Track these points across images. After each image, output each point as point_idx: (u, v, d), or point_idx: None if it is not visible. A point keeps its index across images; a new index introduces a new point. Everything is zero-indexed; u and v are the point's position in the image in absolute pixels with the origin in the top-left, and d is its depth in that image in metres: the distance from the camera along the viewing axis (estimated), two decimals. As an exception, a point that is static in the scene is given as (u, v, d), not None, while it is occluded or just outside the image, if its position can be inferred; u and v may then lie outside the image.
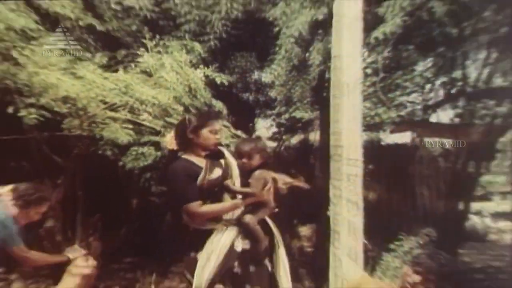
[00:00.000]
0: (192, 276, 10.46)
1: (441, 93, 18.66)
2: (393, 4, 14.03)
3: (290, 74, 14.97)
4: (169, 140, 10.85)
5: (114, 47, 13.97)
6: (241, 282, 10.54)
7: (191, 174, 10.47)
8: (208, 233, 10.54)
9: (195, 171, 10.45)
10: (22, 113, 12.94)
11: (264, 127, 19.43)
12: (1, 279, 13.25)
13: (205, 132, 10.61)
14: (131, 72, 13.31)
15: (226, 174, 10.76)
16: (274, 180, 10.79)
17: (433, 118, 19.03)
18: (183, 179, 10.42)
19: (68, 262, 11.04)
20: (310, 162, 17.67)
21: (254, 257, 10.55)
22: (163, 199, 15.74)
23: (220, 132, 10.74)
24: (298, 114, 17.59)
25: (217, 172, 10.59)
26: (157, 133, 13.27)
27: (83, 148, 13.98)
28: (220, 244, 10.38)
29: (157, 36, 14.21)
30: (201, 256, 10.37)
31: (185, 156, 10.63)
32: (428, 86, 18.48)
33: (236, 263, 10.47)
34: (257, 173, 10.72)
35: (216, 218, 10.59)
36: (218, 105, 13.77)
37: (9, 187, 10.53)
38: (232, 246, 10.41)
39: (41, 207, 10.73)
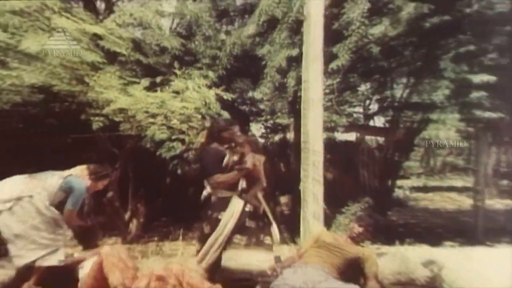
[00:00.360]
0: (213, 230, 11.00)
1: (376, 106, 19.18)
2: (343, 45, 14.47)
3: (274, 93, 15.35)
4: (201, 136, 11.50)
5: (154, 74, 14.36)
6: (251, 232, 11.21)
7: (218, 156, 10.99)
8: (226, 201, 11.02)
9: (222, 155, 10.97)
10: (92, 119, 13.47)
11: (256, 129, 19.85)
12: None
13: (226, 133, 11.08)
14: (165, 92, 13.69)
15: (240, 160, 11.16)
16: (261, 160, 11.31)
17: (371, 123, 19.48)
18: (213, 159, 10.96)
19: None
20: (287, 153, 18.01)
21: (256, 216, 11.07)
22: (186, 178, 16.08)
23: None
24: (279, 120, 17.99)
25: (235, 158, 11.07)
26: (183, 133, 13.67)
27: (133, 143, 14.45)
28: (237, 206, 10.91)
29: (183, 67, 14.59)
30: (225, 215, 10.91)
31: (214, 146, 11.08)
32: (367, 101, 18.97)
33: (247, 220, 11.02)
34: (250, 155, 11.17)
35: (230, 189, 11.02)
36: (225, 114, 14.11)
37: (83, 166, 10.90)
38: (244, 208, 10.93)
39: (105, 181, 11.14)
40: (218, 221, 10.93)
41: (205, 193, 11.26)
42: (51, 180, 10.52)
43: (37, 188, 10.44)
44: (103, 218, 11.02)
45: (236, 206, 10.99)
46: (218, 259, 10.95)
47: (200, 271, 10.90)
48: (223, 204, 10.98)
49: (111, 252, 10.12)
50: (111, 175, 12.10)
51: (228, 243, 11.03)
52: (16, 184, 10.20)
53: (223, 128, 11.42)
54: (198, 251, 11.03)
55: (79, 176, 10.74)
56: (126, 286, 10.02)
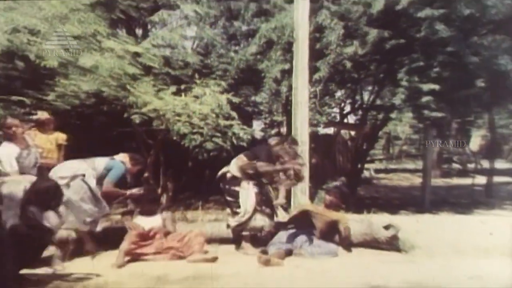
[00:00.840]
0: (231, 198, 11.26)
1: (349, 107, 19.29)
2: (323, 61, 14.60)
3: (271, 97, 15.46)
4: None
5: (179, 83, 14.41)
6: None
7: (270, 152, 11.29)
8: (237, 180, 11.28)
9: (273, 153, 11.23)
10: (132, 117, 13.59)
11: (257, 125, 19.94)
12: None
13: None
14: (188, 96, 13.76)
15: None
16: None
17: (345, 120, 19.54)
18: (265, 152, 11.22)
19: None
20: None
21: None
22: (204, 162, 16.10)
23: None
24: (275, 118, 18.11)
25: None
26: (201, 128, 13.77)
27: (163, 135, 14.55)
28: (250, 189, 11.15)
29: (202, 78, 14.67)
30: (242, 195, 11.18)
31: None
32: (342, 104, 19.06)
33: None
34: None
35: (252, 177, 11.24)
36: (233, 113, 14.19)
37: (125, 154, 11.05)
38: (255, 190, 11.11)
39: (140, 166, 11.29)
40: (235, 192, 11.13)
41: (225, 170, 11.42)
42: (99, 163, 10.72)
43: (88, 169, 10.60)
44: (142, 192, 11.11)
45: (249, 188, 11.19)
46: (245, 225, 11.14)
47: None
48: (236, 181, 11.19)
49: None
50: (146, 160, 12.26)
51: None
52: (72, 165, 10.39)
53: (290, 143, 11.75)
54: (232, 213, 11.35)
55: (123, 160, 10.94)
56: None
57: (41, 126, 11.54)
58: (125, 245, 10.12)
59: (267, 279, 8.91)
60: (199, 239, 10.49)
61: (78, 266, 9.55)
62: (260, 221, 11.10)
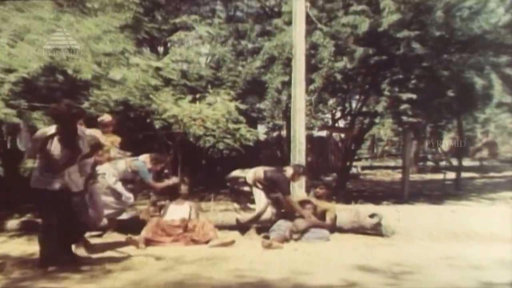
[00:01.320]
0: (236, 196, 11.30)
1: (339, 114, 19.19)
2: (318, 74, 14.56)
3: (273, 105, 15.42)
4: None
5: (195, 92, 14.40)
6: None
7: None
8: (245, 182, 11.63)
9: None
10: (154, 122, 13.60)
11: (261, 128, 19.91)
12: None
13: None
14: (202, 103, 13.76)
15: None
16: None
17: (336, 125, 19.50)
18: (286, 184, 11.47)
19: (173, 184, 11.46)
20: (281, 144, 18.10)
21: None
22: (215, 160, 16.11)
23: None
24: (276, 122, 18.09)
25: None
26: (213, 131, 13.75)
27: (181, 137, 14.53)
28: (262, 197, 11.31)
29: (214, 88, 14.69)
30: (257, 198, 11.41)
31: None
32: (334, 110, 19.02)
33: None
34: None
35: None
36: (241, 118, 14.19)
37: (147, 155, 11.08)
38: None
39: (161, 164, 11.31)
40: (243, 191, 11.26)
41: (235, 174, 11.57)
42: (121, 164, 10.88)
43: (110, 169, 10.87)
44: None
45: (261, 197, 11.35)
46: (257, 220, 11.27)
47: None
48: (245, 184, 11.32)
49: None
50: (166, 159, 12.26)
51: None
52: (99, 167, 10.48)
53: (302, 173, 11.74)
54: (241, 208, 11.83)
55: (144, 161, 10.99)
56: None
57: (104, 127, 11.70)
58: (144, 233, 10.25)
59: (269, 259, 8.93)
60: (211, 227, 10.71)
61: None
62: (269, 213, 11.16)
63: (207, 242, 10.26)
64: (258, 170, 11.49)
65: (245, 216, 11.52)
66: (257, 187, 11.36)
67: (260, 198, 11.34)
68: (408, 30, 14.73)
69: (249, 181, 11.42)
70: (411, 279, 7.55)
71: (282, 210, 11.26)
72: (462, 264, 8.41)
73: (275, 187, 11.26)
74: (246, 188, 11.63)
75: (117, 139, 11.95)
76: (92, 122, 10.90)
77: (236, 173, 11.94)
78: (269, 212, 11.22)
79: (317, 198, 11.50)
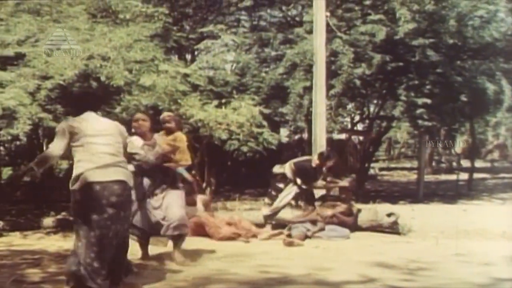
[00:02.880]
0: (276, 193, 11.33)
1: (358, 117, 19.13)
2: (338, 80, 14.59)
3: (295, 109, 15.39)
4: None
5: (220, 97, 14.42)
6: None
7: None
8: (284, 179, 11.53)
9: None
10: (183, 126, 13.62)
11: (284, 132, 19.94)
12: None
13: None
14: (227, 108, 13.76)
15: None
16: None
17: (355, 128, 19.45)
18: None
19: None
20: (303, 146, 18.06)
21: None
22: (241, 162, 16.14)
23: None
24: (298, 125, 18.06)
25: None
26: (238, 134, 13.75)
27: (207, 140, 14.55)
28: (293, 189, 11.30)
29: (239, 93, 14.75)
30: (284, 191, 11.36)
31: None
32: (352, 115, 18.99)
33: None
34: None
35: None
36: (264, 122, 14.19)
37: None
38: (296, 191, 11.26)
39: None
40: (278, 187, 11.26)
41: (277, 170, 11.56)
42: None
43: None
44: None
45: (292, 188, 11.29)
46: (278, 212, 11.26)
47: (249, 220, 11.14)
48: (282, 180, 11.34)
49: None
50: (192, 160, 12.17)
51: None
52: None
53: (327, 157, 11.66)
54: (267, 204, 11.54)
55: None
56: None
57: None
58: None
59: (292, 256, 8.94)
60: (248, 224, 11.02)
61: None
62: (288, 214, 11.17)
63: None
64: (290, 162, 11.58)
65: (269, 210, 11.49)
66: (292, 180, 11.43)
67: (289, 193, 11.37)
68: (423, 38, 14.78)
69: (288, 173, 11.44)
70: (426, 275, 7.54)
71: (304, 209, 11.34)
72: (473, 261, 8.39)
73: (303, 176, 11.36)
74: (281, 185, 11.61)
75: (179, 137, 9.53)
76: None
77: (275, 168, 11.89)
78: (288, 213, 11.23)
79: (341, 201, 11.53)
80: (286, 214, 11.19)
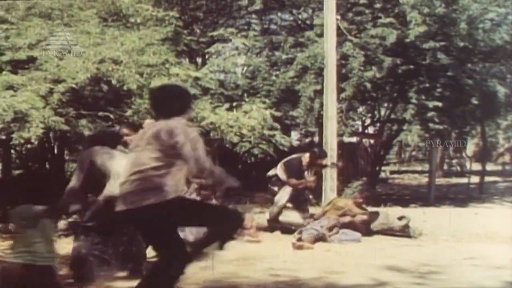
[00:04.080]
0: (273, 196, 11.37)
1: (369, 121, 19.06)
2: (348, 83, 14.64)
3: (306, 112, 15.38)
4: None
5: (232, 101, 14.52)
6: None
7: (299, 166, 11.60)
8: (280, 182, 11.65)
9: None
10: (194, 129, 13.67)
11: (295, 135, 19.94)
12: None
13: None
14: (238, 111, 13.76)
15: None
16: None
17: (366, 131, 19.41)
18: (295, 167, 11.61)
19: None
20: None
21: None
22: (251, 165, 16.15)
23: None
24: (309, 129, 18.08)
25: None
26: (249, 137, 13.75)
27: (218, 143, 14.54)
28: (287, 190, 11.39)
29: (250, 97, 14.83)
30: (279, 193, 11.48)
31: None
32: (363, 118, 18.90)
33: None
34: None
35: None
36: (275, 124, 14.26)
37: None
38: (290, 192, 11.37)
39: None
40: (273, 191, 11.29)
41: (272, 173, 11.55)
42: None
43: None
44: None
45: (286, 190, 11.34)
46: (278, 214, 11.33)
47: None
48: (276, 182, 11.29)
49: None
50: None
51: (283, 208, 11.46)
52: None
53: (319, 156, 11.66)
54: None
55: None
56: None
57: None
58: None
59: (302, 259, 8.95)
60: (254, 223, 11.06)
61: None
62: (291, 217, 11.23)
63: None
64: (281, 162, 11.76)
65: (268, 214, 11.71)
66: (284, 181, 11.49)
67: (282, 195, 11.48)
68: (433, 41, 14.81)
69: (280, 174, 11.53)
70: (437, 279, 7.53)
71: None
72: (484, 264, 8.38)
73: (292, 173, 11.53)
74: (275, 188, 11.66)
75: None
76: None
77: (271, 172, 11.94)
78: (291, 216, 11.33)
79: (355, 204, 11.48)
80: (294, 217, 11.27)
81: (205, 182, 8.56)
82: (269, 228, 11.53)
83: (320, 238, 10.50)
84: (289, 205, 11.42)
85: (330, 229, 10.67)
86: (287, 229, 11.14)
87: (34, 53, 11.99)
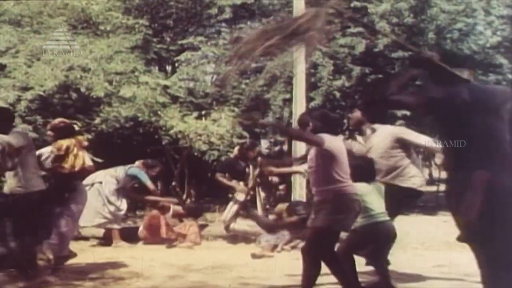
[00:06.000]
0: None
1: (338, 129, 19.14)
2: (317, 92, 14.66)
3: (275, 120, 15.45)
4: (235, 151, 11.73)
5: (200, 109, 14.57)
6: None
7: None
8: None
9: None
10: (162, 137, 13.72)
11: (264, 143, 19.90)
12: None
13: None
14: (207, 120, 13.87)
15: None
16: None
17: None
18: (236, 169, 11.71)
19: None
20: (283, 158, 18.13)
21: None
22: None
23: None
24: (278, 138, 18.13)
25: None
26: (218, 145, 13.80)
27: (187, 152, 14.58)
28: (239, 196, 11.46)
29: (218, 105, 14.87)
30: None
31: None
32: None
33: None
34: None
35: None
36: (244, 133, 14.39)
37: (140, 161, 11.12)
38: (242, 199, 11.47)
39: (156, 168, 11.27)
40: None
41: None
42: (119, 170, 10.89)
43: (107, 176, 10.97)
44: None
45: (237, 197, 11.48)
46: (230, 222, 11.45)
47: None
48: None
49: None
50: (161, 166, 12.08)
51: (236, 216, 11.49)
52: (96, 175, 10.39)
53: (249, 147, 11.68)
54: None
55: (138, 166, 11.01)
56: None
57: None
58: (140, 228, 11.12)
59: (271, 268, 8.96)
60: (195, 229, 11.29)
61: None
62: (244, 225, 11.27)
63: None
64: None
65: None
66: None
67: (234, 203, 11.59)
68: (402, 50, 14.87)
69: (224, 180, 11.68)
70: (406, 287, 7.58)
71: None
72: (453, 272, 8.44)
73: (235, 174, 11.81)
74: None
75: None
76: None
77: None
78: (241, 224, 11.38)
79: None
80: (247, 226, 11.32)
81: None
82: (231, 238, 11.61)
83: (275, 246, 10.52)
84: (242, 212, 11.43)
85: (287, 243, 10.68)
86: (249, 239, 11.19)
87: (3, 60, 12.02)
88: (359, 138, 7.97)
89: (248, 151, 11.70)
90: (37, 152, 8.52)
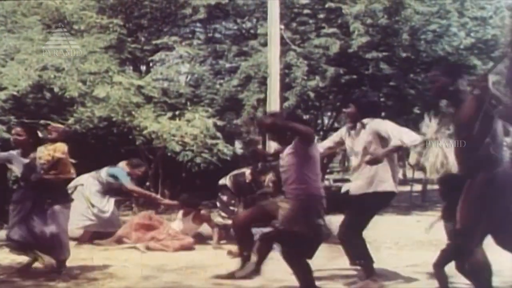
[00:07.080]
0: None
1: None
2: (291, 92, 14.74)
3: (249, 121, 15.49)
4: None
5: (174, 109, 14.51)
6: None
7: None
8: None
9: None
10: (136, 137, 13.67)
11: (238, 144, 19.80)
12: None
13: None
14: (181, 120, 13.85)
15: None
16: None
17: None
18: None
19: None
20: (258, 158, 18.08)
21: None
22: (194, 174, 16.10)
23: None
24: (252, 137, 18.12)
25: None
26: (192, 146, 13.79)
27: (161, 152, 14.56)
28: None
29: (193, 105, 14.84)
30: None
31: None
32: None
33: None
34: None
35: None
36: (218, 134, 14.41)
37: (125, 161, 11.00)
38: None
39: (141, 167, 11.15)
40: (222, 200, 11.40)
41: (222, 182, 11.50)
42: (101, 173, 10.74)
43: (89, 178, 10.76)
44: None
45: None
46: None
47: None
48: (223, 191, 11.44)
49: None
50: (145, 166, 12.02)
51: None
52: (78, 178, 10.28)
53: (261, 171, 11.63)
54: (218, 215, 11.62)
55: (123, 167, 10.93)
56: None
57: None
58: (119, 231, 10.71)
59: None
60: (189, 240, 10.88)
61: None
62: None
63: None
64: (230, 175, 11.69)
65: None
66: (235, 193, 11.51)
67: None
68: (376, 51, 15.00)
69: (229, 186, 11.49)
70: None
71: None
72: (427, 271, 8.47)
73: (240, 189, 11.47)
74: (224, 197, 11.59)
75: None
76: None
77: (221, 180, 11.86)
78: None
79: None
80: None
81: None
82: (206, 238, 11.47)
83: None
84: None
85: None
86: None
87: (-24, 60, 11.95)
88: (352, 133, 7.91)
89: (261, 174, 11.63)
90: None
